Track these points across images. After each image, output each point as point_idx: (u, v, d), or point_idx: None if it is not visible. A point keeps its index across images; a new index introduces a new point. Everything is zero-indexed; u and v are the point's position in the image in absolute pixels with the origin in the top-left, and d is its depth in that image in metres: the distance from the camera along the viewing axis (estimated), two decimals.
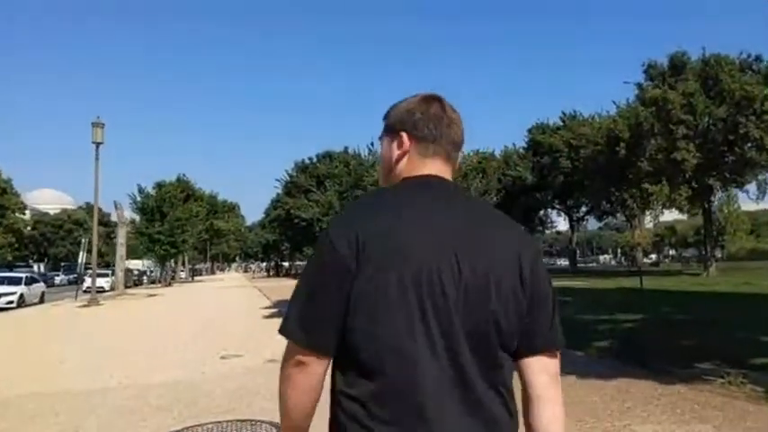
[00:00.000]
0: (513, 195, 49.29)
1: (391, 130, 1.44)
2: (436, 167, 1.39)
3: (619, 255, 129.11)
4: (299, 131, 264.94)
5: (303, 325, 1.24)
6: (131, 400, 6.99)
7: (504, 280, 1.24)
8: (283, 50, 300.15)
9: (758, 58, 35.39)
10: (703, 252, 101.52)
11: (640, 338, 10.25)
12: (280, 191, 62.04)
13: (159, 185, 47.68)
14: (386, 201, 1.33)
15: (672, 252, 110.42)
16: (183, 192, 51.08)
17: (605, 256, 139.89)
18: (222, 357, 9.96)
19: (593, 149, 39.60)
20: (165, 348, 11.27)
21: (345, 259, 1.20)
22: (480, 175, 37.39)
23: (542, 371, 1.30)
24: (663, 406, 6.04)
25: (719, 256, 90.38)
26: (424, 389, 1.16)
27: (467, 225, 1.27)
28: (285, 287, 32.49)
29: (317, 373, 1.25)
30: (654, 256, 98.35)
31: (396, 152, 1.41)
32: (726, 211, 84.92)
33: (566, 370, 7.76)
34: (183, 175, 55.60)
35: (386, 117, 1.49)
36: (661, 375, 7.48)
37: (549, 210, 63.28)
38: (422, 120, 1.40)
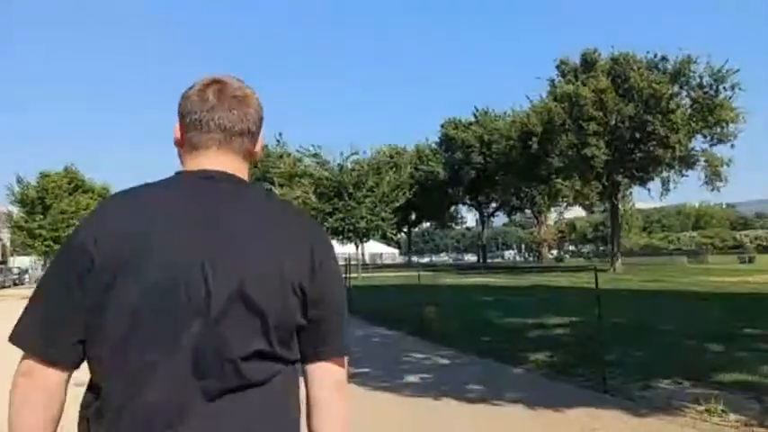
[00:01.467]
0: (426, 190, 48.54)
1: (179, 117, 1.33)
2: (209, 159, 1.26)
3: (523, 250, 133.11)
4: None
5: (40, 332, 1.15)
6: None
7: (270, 286, 1.16)
8: (196, 32, 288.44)
9: (664, 58, 36.09)
10: (601, 248, 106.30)
11: (580, 348, 9.01)
12: None
13: (43, 175, 43.47)
14: (137, 199, 1.21)
15: (571, 248, 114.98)
16: (71, 183, 46.75)
17: (510, 251, 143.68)
18: (77, 385, 7.77)
19: (505, 144, 39.26)
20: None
21: (86, 263, 1.12)
22: (393, 170, 36.33)
23: (327, 377, 1.26)
24: None
25: (616, 251, 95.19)
26: (166, 404, 1.10)
27: (230, 227, 1.17)
28: None
29: (52, 383, 1.15)
30: (555, 252, 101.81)
31: (175, 142, 1.33)
32: (622, 208, 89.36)
33: (509, 396, 6.12)
34: (72, 164, 50.88)
35: None
36: (623, 401, 6.17)
37: (460, 205, 63.20)
38: (193, 105, 1.28)
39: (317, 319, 1.23)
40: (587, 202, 65.43)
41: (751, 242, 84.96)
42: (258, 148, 1.36)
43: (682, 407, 5.86)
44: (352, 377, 6.58)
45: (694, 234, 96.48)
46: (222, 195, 1.22)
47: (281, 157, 40.39)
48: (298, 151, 33.70)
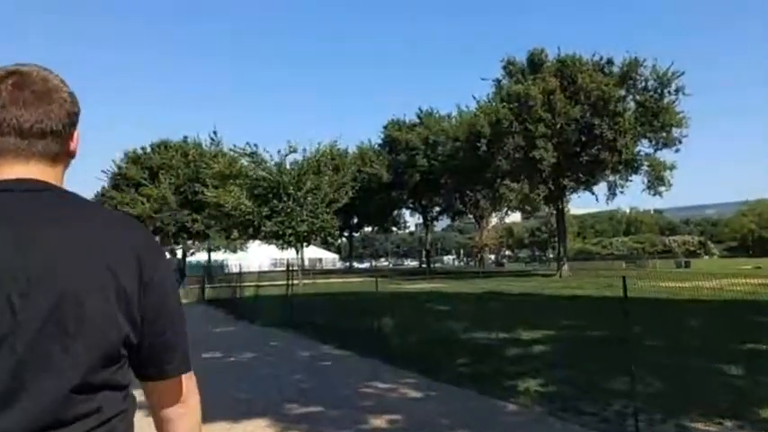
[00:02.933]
0: (369, 193, 46.86)
1: None
2: (8, 167, 1.10)
3: (462, 255, 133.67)
4: (133, 118, 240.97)
5: None
6: None
7: (90, 306, 1.04)
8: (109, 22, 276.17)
9: (610, 61, 35.74)
10: (537, 252, 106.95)
11: (573, 371, 7.49)
12: (105, 184, 54.88)
13: None
14: None
15: (508, 253, 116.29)
16: None
17: (449, 256, 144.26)
18: None
19: (452, 146, 38.01)
20: None
21: None
22: (332, 171, 34.45)
23: (169, 396, 1.22)
24: None
25: (551, 256, 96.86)
26: None
27: (38, 244, 1.04)
28: None
29: None
30: (493, 257, 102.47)
31: None
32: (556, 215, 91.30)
33: None
34: None
35: None
36: None
37: (404, 209, 61.77)
38: None
39: (153, 335, 1.13)
40: (528, 208, 65.49)
41: (679, 247, 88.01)
42: (73, 146, 1.19)
43: None
44: (298, 421, 4.63)
45: (626, 239, 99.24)
46: (24, 210, 1.07)
47: (215, 156, 37.85)
48: (232, 150, 31.30)
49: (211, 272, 21.33)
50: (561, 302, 17.16)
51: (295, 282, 21.00)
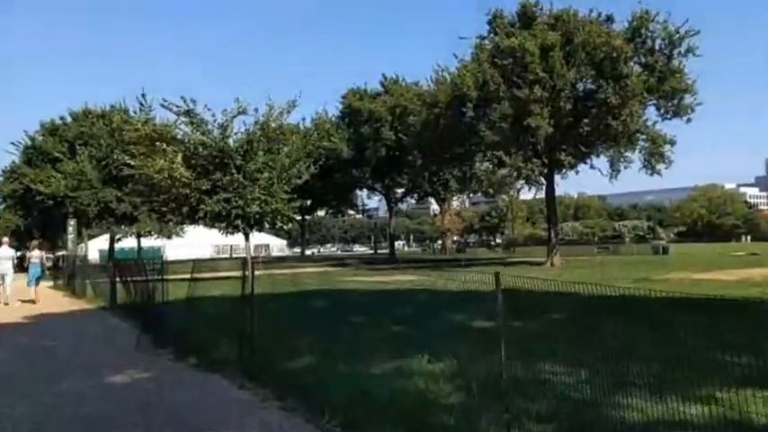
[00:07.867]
0: (327, 171, 40.88)
1: None
2: None
3: (411, 241, 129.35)
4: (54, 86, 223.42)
5: None
6: None
7: None
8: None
9: (610, 18, 30.91)
10: (484, 237, 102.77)
11: None
12: (17, 159, 47.11)
13: None
14: None
15: (456, 238, 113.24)
16: None
17: (398, 242, 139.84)
18: None
19: (428, 113, 32.36)
20: None
21: None
22: (290, 142, 28.33)
23: None
24: None
25: (499, 241, 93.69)
26: None
27: None
28: None
29: None
30: (448, 242, 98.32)
31: None
32: (507, 199, 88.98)
33: None
34: None
35: None
36: None
37: (365, 189, 55.62)
38: None
39: None
40: (491, 191, 60.58)
41: (629, 232, 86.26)
42: None
43: None
44: None
45: (576, 224, 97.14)
46: None
47: (146, 122, 30.93)
48: (162, 106, 24.72)
49: (120, 262, 15.20)
50: (623, 307, 11.86)
51: (263, 272, 14.87)
